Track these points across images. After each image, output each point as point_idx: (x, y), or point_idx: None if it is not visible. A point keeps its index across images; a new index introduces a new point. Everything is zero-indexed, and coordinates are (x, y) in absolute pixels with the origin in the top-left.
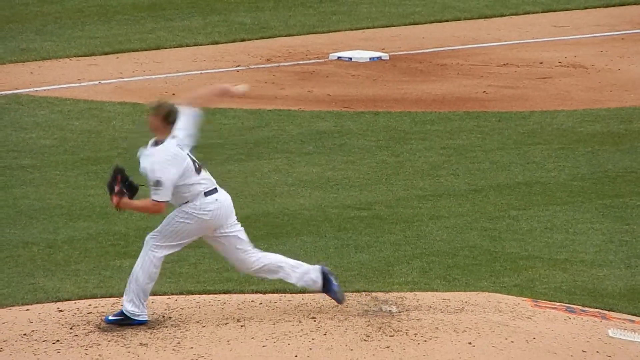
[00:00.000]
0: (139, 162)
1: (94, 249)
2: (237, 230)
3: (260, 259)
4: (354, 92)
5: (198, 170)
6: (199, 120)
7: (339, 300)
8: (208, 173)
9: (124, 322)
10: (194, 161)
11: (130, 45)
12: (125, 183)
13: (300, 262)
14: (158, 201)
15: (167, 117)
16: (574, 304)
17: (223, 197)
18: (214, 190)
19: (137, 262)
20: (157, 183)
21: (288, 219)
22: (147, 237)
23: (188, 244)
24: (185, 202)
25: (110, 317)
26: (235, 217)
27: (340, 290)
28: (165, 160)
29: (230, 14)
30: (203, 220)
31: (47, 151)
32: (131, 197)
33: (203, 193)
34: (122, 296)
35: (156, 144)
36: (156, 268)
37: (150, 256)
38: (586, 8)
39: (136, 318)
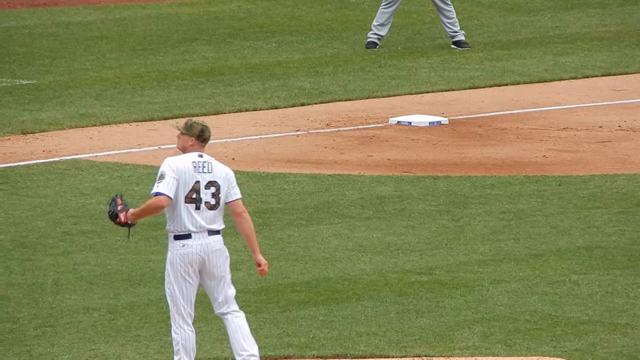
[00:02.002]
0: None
1: (154, 314)
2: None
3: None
4: (413, 157)
5: (193, 201)
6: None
7: None
8: (205, 217)
9: None
10: (197, 193)
11: (190, 110)
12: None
13: None
14: (157, 194)
15: (200, 136)
16: None
17: (194, 244)
18: (184, 236)
19: None
20: (160, 177)
21: (348, 284)
22: None
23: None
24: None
25: None
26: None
27: None
28: (174, 159)
29: (289, 78)
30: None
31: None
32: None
33: (173, 236)
34: None
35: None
36: (175, 342)
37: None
38: None
39: None
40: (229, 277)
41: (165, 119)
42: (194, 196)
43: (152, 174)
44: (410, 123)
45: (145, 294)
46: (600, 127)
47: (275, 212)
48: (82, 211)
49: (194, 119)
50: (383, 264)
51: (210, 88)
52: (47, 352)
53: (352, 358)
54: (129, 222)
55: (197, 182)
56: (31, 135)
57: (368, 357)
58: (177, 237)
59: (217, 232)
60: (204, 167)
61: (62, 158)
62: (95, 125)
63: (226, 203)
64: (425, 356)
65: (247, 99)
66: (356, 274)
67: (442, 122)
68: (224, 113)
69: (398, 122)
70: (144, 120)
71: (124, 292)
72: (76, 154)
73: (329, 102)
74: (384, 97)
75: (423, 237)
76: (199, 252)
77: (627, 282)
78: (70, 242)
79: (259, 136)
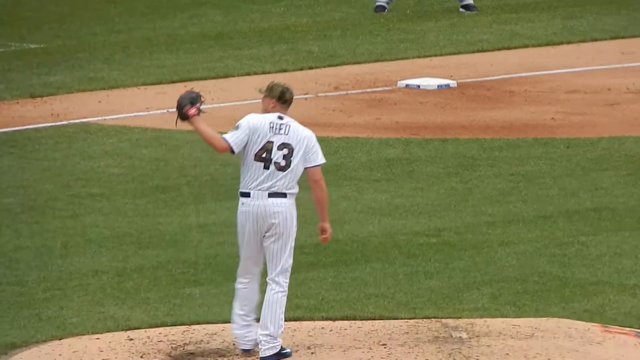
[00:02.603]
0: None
1: (163, 277)
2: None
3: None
4: (422, 120)
5: (262, 160)
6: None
7: None
8: (271, 176)
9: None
10: (267, 153)
11: (198, 73)
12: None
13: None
14: (225, 139)
15: (280, 98)
16: None
17: (252, 204)
18: (245, 195)
19: None
20: (235, 127)
21: (357, 245)
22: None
23: (252, 255)
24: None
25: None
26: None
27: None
28: (255, 115)
29: (297, 42)
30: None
31: (115, 179)
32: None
33: (239, 192)
34: (194, 324)
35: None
36: (236, 291)
37: None
38: None
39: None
40: (288, 244)
41: (174, 82)
42: (264, 155)
43: (161, 137)
44: (418, 86)
45: (154, 256)
46: (609, 89)
47: None
48: (90, 174)
49: (276, 81)
50: (391, 226)
51: (219, 52)
52: (56, 314)
53: (360, 320)
54: (189, 118)
55: (270, 142)
56: (40, 98)
57: (377, 319)
58: (241, 195)
59: (280, 194)
60: (280, 128)
61: (70, 121)
62: (104, 89)
63: (305, 168)
64: (434, 318)
65: (255, 62)
66: (365, 236)
67: (450, 85)
68: (233, 76)
69: (406, 85)
70: (153, 84)
71: (133, 254)
72: (85, 118)
73: (337, 65)
74: (392, 60)
75: (431, 199)
76: (254, 212)
77: (635, 244)
78: (79, 205)
79: None
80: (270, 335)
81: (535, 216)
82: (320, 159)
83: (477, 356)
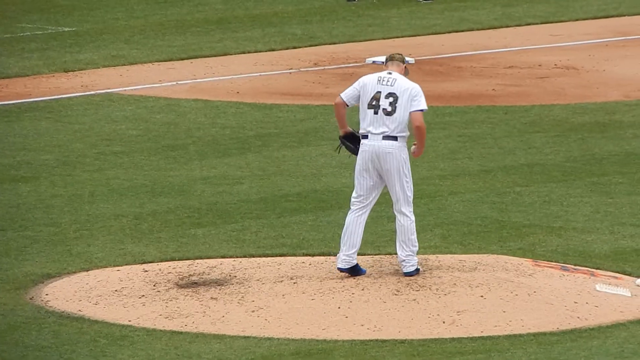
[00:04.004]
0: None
1: (173, 220)
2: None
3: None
4: None
5: (373, 107)
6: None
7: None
8: (384, 120)
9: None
10: (376, 101)
11: (202, 52)
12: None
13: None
14: (340, 97)
15: (388, 60)
16: (568, 264)
17: (369, 144)
18: (364, 137)
19: None
20: (351, 85)
21: (332, 195)
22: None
23: (369, 190)
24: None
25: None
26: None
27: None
28: (366, 75)
29: (284, 26)
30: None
31: (134, 140)
32: (356, 144)
33: (360, 135)
34: (198, 259)
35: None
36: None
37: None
38: (577, 20)
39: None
40: (404, 179)
41: (182, 59)
42: (373, 103)
43: (171, 104)
44: (383, 62)
45: (166, 203)
46: (540, 65)
47: (272, 136)
48: (113, 135)
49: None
50: None
51: (219, 34)
52: (84, 251)
53: (334, 255)
54: (341, 136)
55: (378, 92)
56: (72, 72)
57: None
58: (361, 137)
59: (392, 137)
60: (387, 81)
61: (97, 92)
62: (124, 65)
63: (410, 113)
64: (395, 254)
65: (249, 43)
66: (339, 187)
67: (409, 62)
68: (230, 54)
69: (373, 61)
70: (164, 61)
71: (148, 201)
72: (109, 89)
73: (316, 45)
74: (362, 41)
75: None
76: (371, 152)
77: (561, 193)
78: (104, 161)
79: (259, 73)
80: (411, 255)
81: (478, 170)
82: (422, 105)
83: (429, 285)
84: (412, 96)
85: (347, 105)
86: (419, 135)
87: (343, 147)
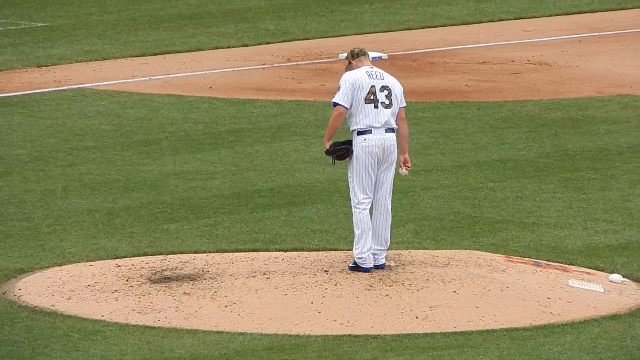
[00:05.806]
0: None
1: (145, 215)
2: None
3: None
4: None
5: (371, 102)
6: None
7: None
8: (380, 113)
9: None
10: (373, 95)
11: (175, 47)
12: (341, 148)
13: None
14: (336, 104)
15: (351, 57)
16: (540, 259)
17: (374, 139)
18: (365, 132)
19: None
20: (338, 89)
21: (305, 190)
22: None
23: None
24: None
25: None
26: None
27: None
28: (350, 72)
29: (257, 21)
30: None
31: (106, 135)
32: (347, 153)
33: (356, 132)
34: (171, 254)
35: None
36: (356, 226)
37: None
38: (550, 16)
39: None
40: (393, 171)
41: (155, 54)
42: (371, 97)
43: (144, 99)
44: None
45: (138, 198)
46: (512, 61)
47: (245, 131)
48: (86, 130)
49: (353, 48)
50: (333, 174)
51: (192, 29)
52: (57, 245)
53: (307, 251)
54: (330, 148)
55: (373, 86)
56: (45, 68)
57: (320, 250)
58: (360, 133)
59: (392, 129)
60: (376, 75)
61: (70, 87)
62: (97, 60)
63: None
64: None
65: (222, 38)
66: (311, 182)
67: (383, 57)
68: (203, 50)
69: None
70: (138, 56)
71: (121, 196)
72: (81, 84)
73: (289, 41)
74: (335, 37)
75: None
76: (377, 145)
77: (533, 189)
78: (77, 156)
79: (232, 69)
80: (382, 250)
81: (451, 166)
82: (405, 103)
83: (402, 281)
84: (401, 92)
85: (347, 109)
86: (405, 131)
87: (334, 156)
